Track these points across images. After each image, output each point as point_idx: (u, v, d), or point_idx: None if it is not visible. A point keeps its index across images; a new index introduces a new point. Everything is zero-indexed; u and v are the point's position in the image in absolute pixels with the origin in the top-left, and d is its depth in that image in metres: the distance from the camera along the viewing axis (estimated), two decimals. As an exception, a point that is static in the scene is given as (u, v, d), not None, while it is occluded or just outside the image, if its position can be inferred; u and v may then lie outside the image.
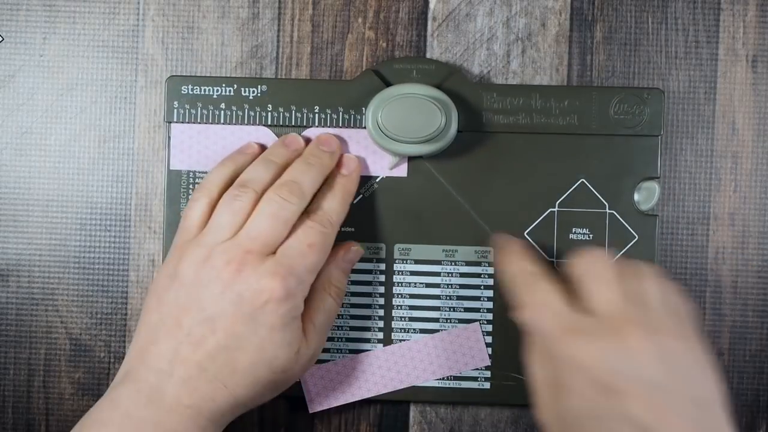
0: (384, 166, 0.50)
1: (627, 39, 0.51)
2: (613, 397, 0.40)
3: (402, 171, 0.50)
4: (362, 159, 0.50)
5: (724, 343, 0.51)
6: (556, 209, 0.50)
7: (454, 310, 0.50)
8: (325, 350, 0.50)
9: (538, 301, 0.43)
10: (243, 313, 0.43)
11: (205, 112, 0.50)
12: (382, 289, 0.50)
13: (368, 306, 0.50)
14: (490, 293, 0.50)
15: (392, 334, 0.50)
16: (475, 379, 0.50)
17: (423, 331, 0.50)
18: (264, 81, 0.50)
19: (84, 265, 0.52)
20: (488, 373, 0.50)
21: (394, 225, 0.50)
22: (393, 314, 0.50)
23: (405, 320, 0.50)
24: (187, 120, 0.50)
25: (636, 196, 0.50)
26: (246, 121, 0.50)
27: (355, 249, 0.49)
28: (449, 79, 0.49)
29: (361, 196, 0.50)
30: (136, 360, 0.44)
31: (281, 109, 0.50)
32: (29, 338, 0.52)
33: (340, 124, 0.50)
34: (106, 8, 0.52)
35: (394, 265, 0.50)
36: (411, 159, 0.50)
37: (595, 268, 0.43)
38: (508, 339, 0.50)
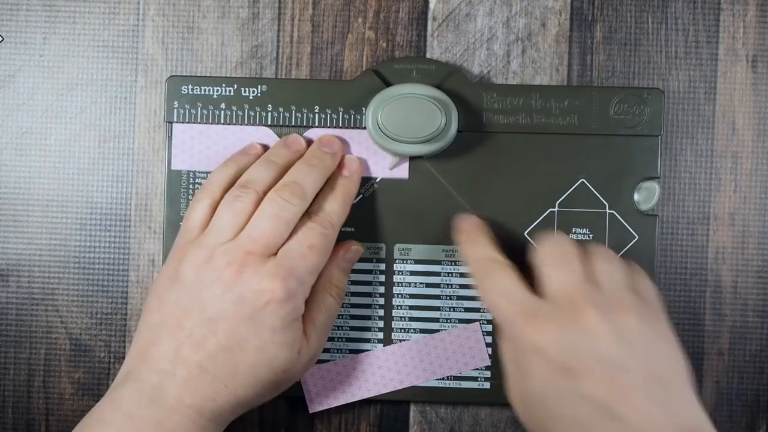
0: (385, 166, 0.50)
1: (627, 39, 0.51)
2: (571, 377, 0.40)
3: (403, 172, 0.50)
4: (363, 160, 0.50)
5: (724, 343, 0.51)
6: (556, 209, 0.50)
7: (454, 310, 0.50)
8: (325, 350, 0.50)
9: (497, 288, 0.44)
10: (244, 315, 0.43)
11: (205, 112, 0.50)
12: (382, 289, 0.50)
13: (368, 306, 0.50)
14: (490, 293, 0.50)
15: (392, 334, 0.50)
16: (475, 379, 0.50)
17: (423, 331, 0.50)
18: (264, 81, 0.50)
19: (84, 265, 0.52)
20: (488, 373, 0.50)
21: (394, 225, 0.50)
22: (393, 314, 0.50)
23: (405, 320, 0.50)
24: (187, 120, 0.50)
25: (636, 196, 0.50)
26: (246, 121, 0.50)
27: (355, 248, 0.49)
28: (449, 79, 0.49)
29: (361, 196, 0.50)
30: (138, 360, 0.44)
31: (281, 109, 0.50)
32: (29, 338, 0.52)
33: (340, 124, 0.50)
34: (106, 8, 0.52)
35: (394, 265, 0.50)
36: (411, 159, 0.50)
37: (553, 253, 0.44)
38: (508, 339, 0.50)
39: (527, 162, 0.50)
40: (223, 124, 0.50)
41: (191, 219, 0.46)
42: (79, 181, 0.52)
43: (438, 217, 0.50)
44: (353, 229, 0.50)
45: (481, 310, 0.50)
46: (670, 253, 0.51)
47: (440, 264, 0.50)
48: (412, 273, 0.50)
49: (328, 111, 0.50)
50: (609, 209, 0.50)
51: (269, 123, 0.50)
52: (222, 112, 0.50)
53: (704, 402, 0.51)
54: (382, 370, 0.50)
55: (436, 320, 0.50)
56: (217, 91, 0.50)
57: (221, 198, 0.46)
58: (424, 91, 0.48)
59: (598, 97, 0.49)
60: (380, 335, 0.50)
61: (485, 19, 0.51)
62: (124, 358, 0.51)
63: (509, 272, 0.44)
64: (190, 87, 0.50)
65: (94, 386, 0.52)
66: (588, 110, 0.49)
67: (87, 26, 0.52)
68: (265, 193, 0.46)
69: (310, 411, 0.50)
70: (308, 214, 0.46)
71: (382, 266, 0.50)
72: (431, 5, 0.51)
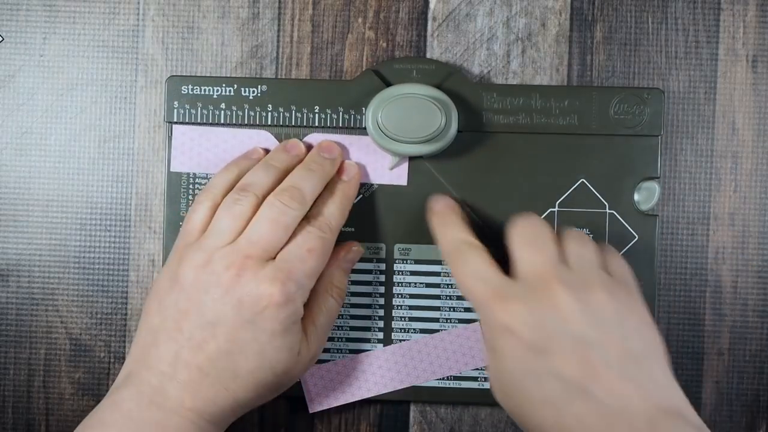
0: (384, 172, 0.50)
1: (627, 39, 0.51)
2: (541, 356, 0.40)
3: (402, 179, 0.50)
4: (362, 166, 0.50)
5: (724, 343, 0.51)
6: (556, 209, 0.50)
7: (454, 310, 0.50)
8: (325, 350, 0.50)
9: (468, 270, 0.44)
10: (243, 319, 0.43)
11: (205, 112, 0.50)
12: (382, 289, 0.50)
13: (368, 306, 0.50)
14: (490, 293, 0.50)
15: (392, 334, 0.50)
16: (475, 379, 0.50)
17: (423, 331, 0.50)
18: (264, 81, 0.50)
19: (84, 265, 0.52)
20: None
21: (394, 225, 0.50)
22: (393, 314, 0.50)
23: (405, 320, 0.50)
24: (187, 120, 0.50)
25: (636, 196, 0.50)
26: (246, 121, 0.50)
27: (356, 249, 0.49)
28: (449, 79, 0.49)
29: (361, 196, 0.50)
30: (138, 362, 0.44)
31: (281, 109, 0.50)
32: (29, 338, 0.52)
33: (341, 124, 0.50)
34: (106, 8, 0.52)
35: (394, 265, 0.50)
36: (411, 159, 0.50)
37: (524, 234, 0.44)
38: (508, 339, 0.50)
39: (527, 162, 0.50)
40: (223, 124, 0.50)
41: (191, 221, 0.46)
42: (79, 181, 0.52)
43: (438, 217, 0.50)
44: (353, 230, 0.50)
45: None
46: (670, 253, 0.51)
47: (440, 264, 0.50)
48: (412, 273, 0.50)
49: (328, 111, 0.50)
50: (609, 209, 0.50)
51: (269, 123, 0.50)
52: (222, 112, 0.50)
53: (704, 402, 0.51)
54: (382, 370, 0.50)
55: (436, 320, 0.50)
56: (217, 91, 0.50)
57: (222, 201, 0.46)
58: (424, 91, 0.48)
59: (598, 97, 0.49)
60: (380, 335, 0.50)
61: (485, 19, 0.51)
62: (124, 358, 0.51)
63: (481, 254, 0.44)
64: (190, 87, 0.50)
65: (94, 386, 0.52)
66: (588, 110, 0.49)
67: (87, 26, 0.52)
68: (264, 197, 0.46)
69: (310, 411, 0.50)
70: (307, 218, 0.46)
71: (382, 266, 0.50)
72: (431, 5, 0.51)
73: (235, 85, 0.50)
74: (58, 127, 0.52)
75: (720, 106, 0.51)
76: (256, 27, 0.52)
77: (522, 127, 0.50)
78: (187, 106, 0.50)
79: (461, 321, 0.50)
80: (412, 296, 0.50)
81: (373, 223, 0.50)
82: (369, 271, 0.50)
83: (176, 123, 0.50)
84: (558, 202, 0.50)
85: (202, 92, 0.50)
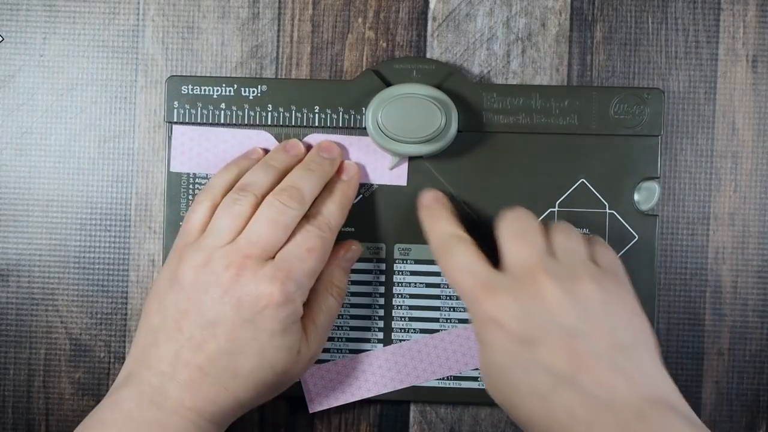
0: (384, 172, 0.50)
1: (627, 39, 0.51)
2: (528, 347, 0.40)
3: (402, 179, 0.50)
4: (362, 166, 0.50)
5: (724, 343, 0.51)
6: (556, 209, 0.50)
7: (454, 310, 0.50)
8: (325, 350, 0.50)
9: (456, 263, 0.44)
10: (243, 318, 0.43)
11: (205, 112, 0.50)
12: (382, 289, 0.50)
13: (368, 306, 0.50)
14: (490, 293, 0.50)
15: (392, 334, 0.50)
16: (475, 379, 0.50)
17: (423, 331, 0.50)
18: (264, 81, 0.50)
19: (84, 265, 0.52)
20: (488, 373, 0.50)
21: (394, 225, 0.50)
22: (393, 314, 0.50)
23: (405, 320, 0.50)
24: (187, 120, 0.50)
25: (636, 196, 0.50)
26: (246, 121, 0.50)
27: (355, 248, 0.49)
28: (449, 79, 0.49)
29: (361, 196, 0.50)
30: (138, 362, 0.44)
31: (281, 109, 0.50)
32: (29, 338, 0.52)
33: (341, 124, 0.50)
34: (106, 8, 0.52)
35: (394, 265, 0.50)
36: (411, 159, 0.50)
37: (512, 227, 0.44)
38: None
39: (527, 162, 0.50)
40: (223, 124, 0.50)
41: (191, 221, 0.46)
42: (79, 181, 0.52)
43: (438, 217, 0.50)
44: (353, 229, 0.50)
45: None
46: (670, 253, 0.51)
47: (440, 264, 0.50)
48: (412, 273, 0.50)
49: (328, 111, 0.50)
50: (609, 209, 0.50)
51: (269, 123, 0.50)
52: (222, 112, 0.50)
53: (704, 402, 0.51)
54: (382, 370, 0.50)
55: (436, 320, 0.50)
56: (217, 91, 0.50)
57: (221, 201, 0.46)
58: (424, 91, 0.48)
59: (598, 97, 0.49)
60: (380, 335, 0.50)
61: (485, 19, 0.51)
62: (124, 358, 0.51)
63: (469, 248, 0.44)
64: (190, 87, 0.50)
65: (94, 386, 0.52)
66: (588, 110, 0.49)
67: (87, 26, 0.52)
68: (263, 197, 0.46)
69: (310, 411, 0.50)
70: (306, 217, 0.46)
71: (382, 266, 0.50)
72: (431, 5, 0.51)
73: (235, 85, 0.50)
74: (58, 127, 0.52)
75: (720, 106, 0.51)
76: (256, 27, 0.52)
77: (522, 127, 0.50)
78: (187, 106, 0.50)
79: (461, 321, 0.50)
80: (412, 296, 0.50)
81: (373, 223, 0.50)
82: (369, 271, 0.50)
83: (176, 123, 0.50)
84: (558, 202, 0.50)
85: (202, 92, 0.50)
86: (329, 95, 0.50)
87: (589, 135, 0.50)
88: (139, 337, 0.45)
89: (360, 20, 0.51)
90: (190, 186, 0.50)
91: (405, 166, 0.50)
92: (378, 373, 0.50)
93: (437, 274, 0.50)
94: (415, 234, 0.50)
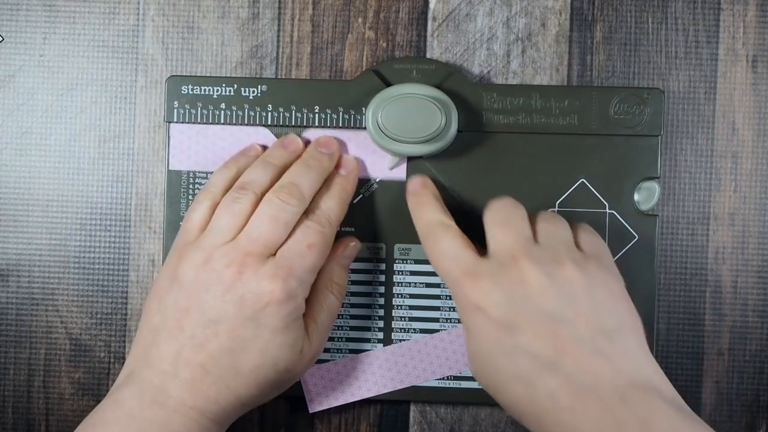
0: (383, 167, 0.50)
1: (627, 39, 0.51)
2: (511, 332, 0.41)
3: (401, 173, 0.50)
4: (361, 161, 0.50)
5: (724, 343, 0.51)
6: (556, 209, 0.50)
7: (454, 310, 0.50)
8: (325, 350, 0.50)
9: (442, 250, 0.44)
10: (245, 316, 0.43)
11: (205, 112, 0.50)
12: (382, 289, 0.50)
13: (368, 306, 0.50)
14: (490, 293, 0.50)
15: (392, 334, 0.50)
16: (475, 379, 0.50)
17: (423, 331, 0.50)
18: (264, 81, 0.50)
19: (84, 265, 0.52)
20: (488, 373, 0.50)
21: (394, 225, 0.50)
22: (393, 314, 0.50)
23: (405, 320, 0.50)
24: (187, 120, 0.50)
25: (636, 196, 0.50)
26: (246, 121, 0.50)
27: (354, 244, 0.49)
28: (449, 79, 0.49)
29: (361, 195, 0.50)
30: (139, 361, 0.44)
31: (281, 109, 0.50)
32: (29, 338, 0.52)
33: (340, 124, 0.50)
34: (106, 8, 0.52)
35: (394, 265, 0.50)
36: (411, 159, 0.50)
37: (498, 215, 0.44)
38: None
39: (527, 162, 0.50)
40: (223, 124, 0.50)
41: (191, 220, 0.46)
42: (79, 181, 0.52)
43: (438, 217, 0.50)
44: (353, 229, 0.50)
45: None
46: (670, 253, 0.51)
47: (440, 264, 0.50)
48: (412, 273, 0.50)
49: (328, 111, 0.50)
50: (609, 209, 0.50)
51: (269, 123, 0.50)
52: (222, 112, 0.50)
53: (704, 402, 0.51)
54: (382, 370, 0.50)
55: (436, 320, 0.50)
56: (217, 91, 0.50)
57: (221, 199, 0.46)
58: (424, 91, 0.48)
59: (598, 97, 0.49)
60: (380, 335, 0.50)
61: (485, 19, 0.51)
62: (124, 358, 0.51)
63: (455, 235, 0.44)
64: (190, 87, 0.50)
65: (94, 386, 0.52)
66: (588, 110, 0.49)
67: (87, 26, 0.52)
68: (263, 194, 0.46)
69: (310, 411, 0.50)
70: (306, 213, 0.46)
71: (382, 266, 0.50)
72: (431, 5, 0.51)
73: (235, 85, 0.50)
74: (58, 127, 0.52)
75: (720, 106, 0.51)
76: (256, 27, 0.52)
77: (522, 127, 0.50)
78: (187, 106, 0.50)
79: (461, 321, 0.50)
80: (412, 296, 0.50)
81: (372, 223, 0.50)
82: (369, 271, 0.50)
83: (176, 123, 0.50)
84: (558, 202, 0.50)
85: (202, 92, 0.50)
86: (329, 95, 0.50)
87: (589, 135, 0.50)
88: (139, 336, 0.45)
89: (360, 20, 0.51)
90: (190, 186, 0.50)
91: (405, 165, 0.50)
92: (378, 373, 0.50)
93: (437, 274, 0.50)
94: (415, 234, 0.50)
